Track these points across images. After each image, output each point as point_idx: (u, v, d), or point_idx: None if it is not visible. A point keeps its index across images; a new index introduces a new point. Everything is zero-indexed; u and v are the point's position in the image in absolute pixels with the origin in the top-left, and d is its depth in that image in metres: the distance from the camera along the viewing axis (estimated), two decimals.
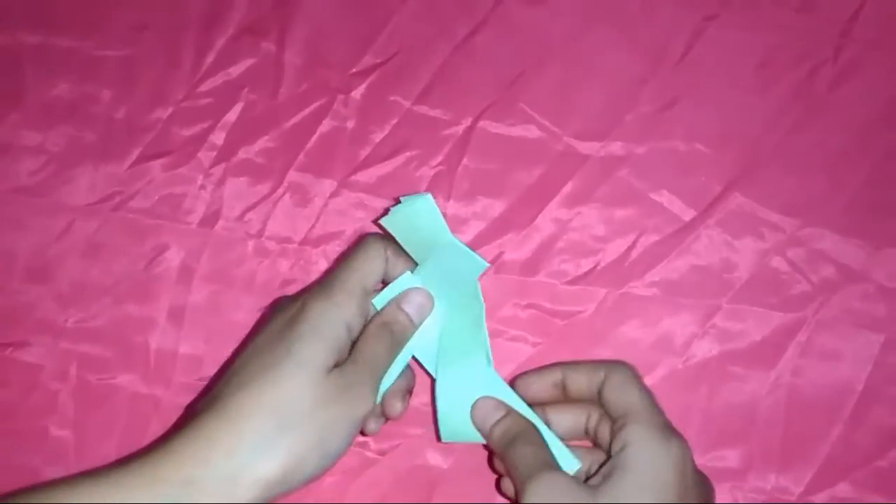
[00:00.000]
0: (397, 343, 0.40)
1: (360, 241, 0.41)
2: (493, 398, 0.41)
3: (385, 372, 0.39)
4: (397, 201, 0.41)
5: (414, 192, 0.47)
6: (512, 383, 0.42)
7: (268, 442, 0.34)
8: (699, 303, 0.46)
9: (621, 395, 0.39)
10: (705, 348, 0.46)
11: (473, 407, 0.40)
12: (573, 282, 0.46)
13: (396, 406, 0.40)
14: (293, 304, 0.38)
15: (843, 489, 0.44)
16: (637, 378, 0.40)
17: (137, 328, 0.47)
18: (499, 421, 0.40)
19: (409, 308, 0.40)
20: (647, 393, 0.39)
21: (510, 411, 0.40)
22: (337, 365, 0.37)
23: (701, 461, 0.45)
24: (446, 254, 0.40)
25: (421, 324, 0.41)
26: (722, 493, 0.44)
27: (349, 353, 0.38)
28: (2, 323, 0.47)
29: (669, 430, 0.37)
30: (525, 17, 0.48)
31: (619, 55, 0.48)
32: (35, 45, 0.49)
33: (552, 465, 0.38)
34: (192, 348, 0.46)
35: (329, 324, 0.37)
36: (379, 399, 0.39)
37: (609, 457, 0.38)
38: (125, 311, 0.47)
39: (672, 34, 0.47)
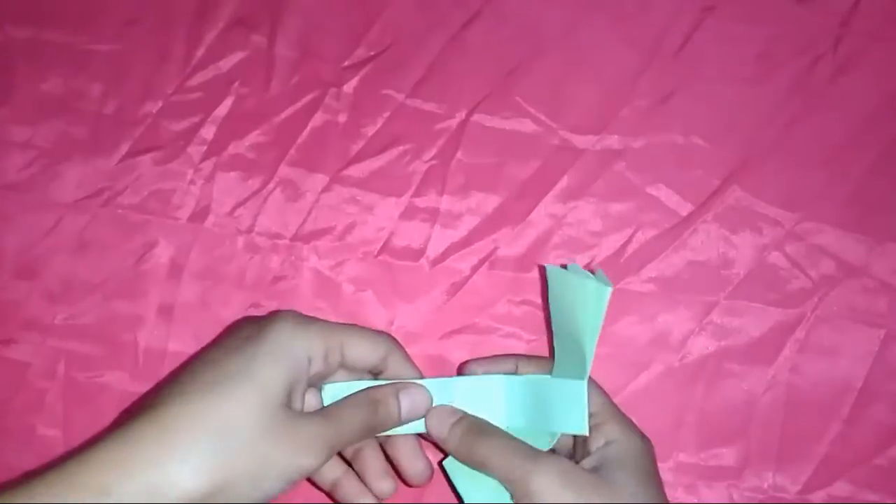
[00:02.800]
0: (376, 425, 0.37)
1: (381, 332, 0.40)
2: (447, 406, 0.40)
3: (350, 440, 0.36)
4: (592, 272, 0.38)
5: (407, 187, 0.46)
6: (463, 366, 0.42)
7: (198, 458, 0.31)
8: (696, 299, 0.45)
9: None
10: (702, 345, 0.45)
11: (427, 416, 0.39)
12: None
13: (383, 487, 0.39)
14: (259, 322, 0.36)
15: (841, 487, 0.44)
16: (593, 382, 0.40)
17: (126, 325, 0.46)
18: (456, 422, 0.39)
19: (405, 400, 0.38)
20: (599, 389, 0.40)
21: (465, 414, 0.39)
22: (292, 405, 0.35)
23: (697, 459, 0.44)
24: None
25: (407, 422, 0.39)
26: (718, 492, 0.44)
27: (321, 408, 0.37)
28: None
29: (633, 425, 0.39)
30: (520, 9, 0.47)
31: (616, 47, 0.47)
32: (25, 39, 0.48)
33: (540, 451, 0.37)
34: (182, 345, 0.46)
35: (290, 349, 0.35)
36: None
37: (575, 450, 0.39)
38: (114, 309, 0.46)
39: (669, 26, 0.47)
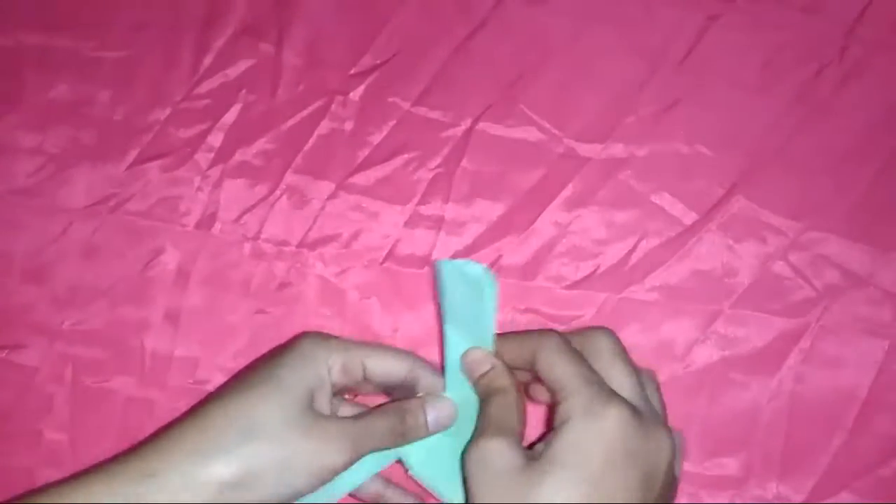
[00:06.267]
0: (405, 433, 0.39)
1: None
2: (482, 349, 0.40)
3: (376, 445, 0.38)
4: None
5: (412, 195, 0.47)
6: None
7: (229, 446, 0.35)
8: (700, 308, 0.45)
9: (551, 370, 0.37)
10: (706, 354, 0.45)
11: (464, 355, 0.40)
12: (572, 286, 0.46)
13: None
14: (290, 340, 0.39)
15: (844, 498, 0.44)
16: (565, 345, 0.37)
17: (133, 331, 0.46)
18: (484, 374, 0.40)
19: (431, 412, 0.40)
20: (577, 360, 0.36)
21: (496, 364, 0.39)
22: (317, 408, 0.37)
23: (700, 468, 0.44)
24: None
25: (434, 433, 0.40)
26: (722, 502, 0.44)
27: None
28: None
29: (600, 402, 0.34)
30: (525, 18, 0.48)
31: (621, 56, 0.47)
32: (34, 46, 0.49)
33: (502, 429, 0.37)
34: (188, 351, 0.46)
35: (310, 359, 0.38)
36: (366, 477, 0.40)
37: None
38: (121, 314, 0.47)
39: (674, 34, 0.47)
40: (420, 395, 0.41)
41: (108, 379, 0.46)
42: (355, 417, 0.38)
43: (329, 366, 0.38)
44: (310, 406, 0.37)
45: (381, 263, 0.46)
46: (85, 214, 0.47)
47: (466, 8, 0.48)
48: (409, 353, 0.41)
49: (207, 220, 0.47)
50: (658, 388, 0.39)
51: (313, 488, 0.36)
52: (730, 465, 0.44)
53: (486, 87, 0.47)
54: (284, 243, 0.47)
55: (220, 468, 0.35)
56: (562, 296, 0.46)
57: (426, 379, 0.41)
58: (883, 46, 0.46)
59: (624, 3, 0.47)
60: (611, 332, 0.38)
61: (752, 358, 0.45)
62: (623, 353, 0.38)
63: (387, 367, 0.40)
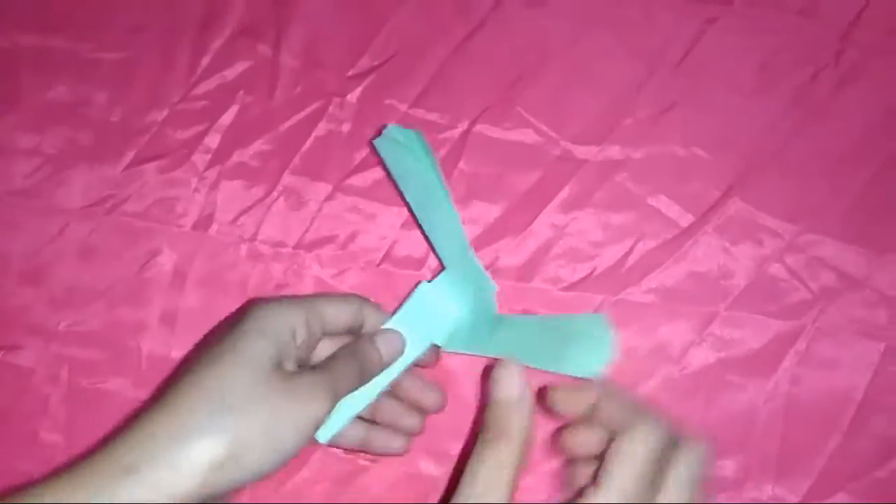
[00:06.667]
0: (364, 371, 0.39)
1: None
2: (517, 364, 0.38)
3: (346, 389, 0.38)
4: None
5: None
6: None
7: (209, 423, 0.33)
8: (696, 310, 0.45)
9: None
10: (702, 356, 0.45)
11: (499, 366, 0.38)
12: (569, 288, 0.46)
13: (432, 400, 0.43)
14: (240, 309, 0.38)
15: (841, 499, 0.44)
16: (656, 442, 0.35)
17: (130, 332, 0.46)
18: (504, 402, 0.37)
19: (382, 346, 0.41)
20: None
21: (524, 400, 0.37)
22: (284, 368, 0.36)
23: None
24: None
25: (390, 364, 0.41)
26: None
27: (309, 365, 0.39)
28: None
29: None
30: (523, 20, 0.48)
31: (618, 59, 0.47)
32: (31, 47, 0.49)
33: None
34: (184, 352, 0.46)
35: (272, 323, 0.37)
36: (345, 423, 0.41)
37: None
38: (118, 315, 0.47)
39: (671, 37, 0.47)
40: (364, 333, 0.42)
41: (104, 380, 0.46)
42: (320, 367, 0.37)
43: (293, 328, 0.37)
44: (280, 367, 0.36)
45: (378, 265, 0.46)
46: (82, 215, 0.47)
47: (464, 10, 0.48)
48: (353, 294, 0.42)
49: (204, 222, 0.47)
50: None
51: (299, 446, 0.35)
52: (726, 467, 0.44)
53: (483, 90, 0.47)
54: (281, 244, 0.47)
55: (203, 449, 0.32)
56: (559, 298, 0.46)
57: (372, 316, 0.42)
58: (879, 50, 0.46)
59: (622, 6, 0.47)
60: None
61: (749, 360, 0.45)
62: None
63: (340, 313, 0.40)
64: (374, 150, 0.42)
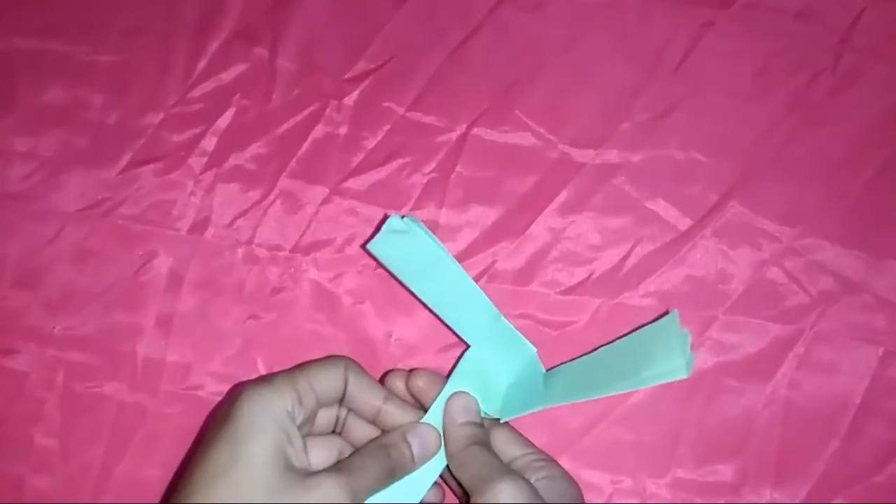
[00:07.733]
0: (392, 469, 0.37)
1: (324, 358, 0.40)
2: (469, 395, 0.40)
3: (369, 489, 0.36)
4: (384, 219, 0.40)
5: (406, 199, 0.46)
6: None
7: None
8: (695, 314, 0.45)
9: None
10: (700, 360, 0.45)
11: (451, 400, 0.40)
12: (567, 292, 0.46)
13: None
14: (225, 403, 0.36)
15: None
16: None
17: (125, 336, 0.46)
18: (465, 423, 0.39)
19: (414, 442, 0.39)
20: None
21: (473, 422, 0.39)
22: (296, 464, 0.35)
23: (695, 475, 0.44)
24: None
25: (422, 463, 0.39)
26: None
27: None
28: None
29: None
30: (520, 24, 0.48)
31: (616, 62, 0.47)
32: (27, 49, 0.49)
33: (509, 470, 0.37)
34: (180, 356, 0.46)
35: (268, 415, 0.35)
36: None
37: None
38: (113, 319, 0.46)
39: (669, 41, 0.47)
40: (399, 427, 0.39)
41: (99, 384, 0.46)
42: (343, 465, 0.36)
43: (289, 410, 0.36)
44: (290, 467, 0.34)
45: (375, 269, 0.46)
46: (77, 218, 0.47)
47: (461, 13, 0.48)
48: (335, 358, 0.40)
49: (200, 225, 0.47)
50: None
51: None
52: (724, 472, 0.44)
53: (480, 93, 0.47)
54: (278, 248, 0.47)
55: None
56: (556, 301, 0.46)
57: (353, 378, 0.39)
58: (876, 54, 0.46)
59: (619, 10, 0.47)
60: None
61: (747, 364, 0.45)
62: None
63: (331, 382, 0.38)
64: (369, 255, 0.41)
